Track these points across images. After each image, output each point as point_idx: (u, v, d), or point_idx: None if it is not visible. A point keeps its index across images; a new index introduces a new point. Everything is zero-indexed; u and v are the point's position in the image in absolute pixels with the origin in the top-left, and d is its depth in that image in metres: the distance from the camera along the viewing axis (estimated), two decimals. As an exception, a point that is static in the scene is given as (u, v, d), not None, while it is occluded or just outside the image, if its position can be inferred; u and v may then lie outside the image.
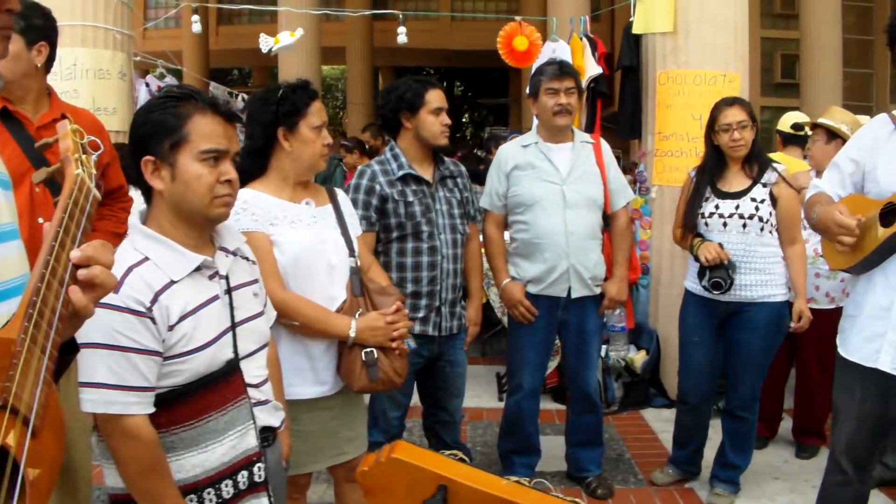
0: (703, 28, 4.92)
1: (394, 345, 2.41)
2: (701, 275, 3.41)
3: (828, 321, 3.99)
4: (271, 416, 1.89)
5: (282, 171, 2.42)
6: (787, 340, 3.64)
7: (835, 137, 4.03)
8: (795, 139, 4.50)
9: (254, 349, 1.84)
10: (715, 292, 3.37)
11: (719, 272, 3.34)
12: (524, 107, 14.08)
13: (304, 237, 2.36)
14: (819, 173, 4.06)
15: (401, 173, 3.08)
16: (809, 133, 4.46)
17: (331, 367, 2.43)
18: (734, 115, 3.38)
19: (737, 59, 5.02)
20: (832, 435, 2.63)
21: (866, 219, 2.35)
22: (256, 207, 2.33)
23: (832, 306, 4.04)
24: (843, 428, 2.55)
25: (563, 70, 3.47)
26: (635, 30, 5.31)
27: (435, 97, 3.11)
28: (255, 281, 1.93)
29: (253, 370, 1.83)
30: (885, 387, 2.41)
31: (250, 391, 1.80)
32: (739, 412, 3.56)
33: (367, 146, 7.71)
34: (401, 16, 7.13)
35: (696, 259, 3.42)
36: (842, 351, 2.55)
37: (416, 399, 3.34)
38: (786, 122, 4.52)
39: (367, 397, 2.82)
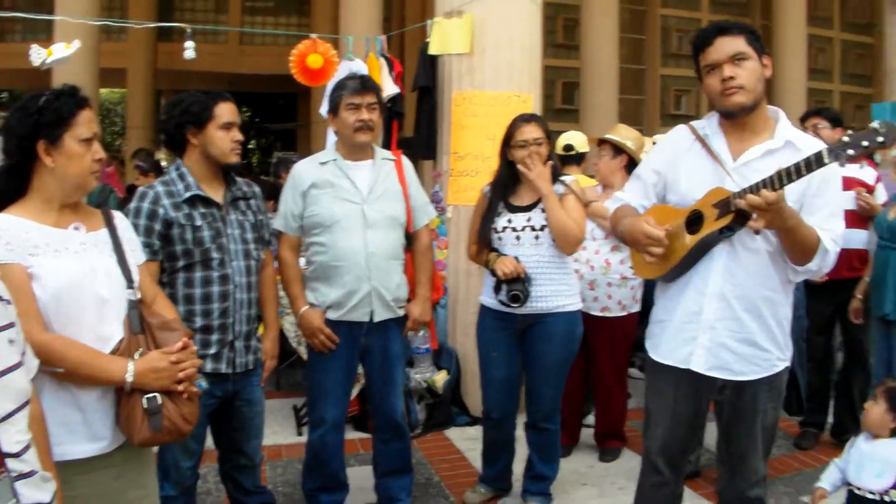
0: (497, 49, 5.01)
1: (181, 388, 2.09)
2: (497, 289, 3.43)
3: (620, 328, 4.24)
4: (39, 490, 1.57)
5: (45, 191, 2.06)
6: (583, 348, 3.75)
7: (620, 153, 4.26)
8: (569, 159, 4.77)
9: (11, 409, 1.52)
10: (514, 305, 3.40)
11: (517, 285, 3.37)
12: (313, 132, 13.89)
13: (69, 268, 2.01)
14: (605, 187, 4.27)
15: (188, 195, 2.82)
16: (580, 151, 4.76)
17: (107, 418, 2.07)
18: (531, 131, 3.44)
19: (530, 80, 5.17)
20: (646, 438, 2.68)
21: (673, 227, 2.43)
22: (11, 235, 1.95)
23: (624, 313, 4.26)
24: (657, 431, 2.62)
25: (366, 85, 3.34)
26: (431, 50, 5.32)
27: (225, 111, 2.88)
28: (10, 325, 1.61)
29: (12, 436, 1.50)
30: (697, 387, 2.51)
31: (9, 462, 1.49)
32: (542, 423, 3.60)
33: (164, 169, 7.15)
34: (189, 29, 6.64)
35: (493, 273, 3.43)
36: (653, 355, 2.62)
37: (209, 442, 3.04)
38: (559, 145, 4.75)
39: (155, 448, 2.50)
